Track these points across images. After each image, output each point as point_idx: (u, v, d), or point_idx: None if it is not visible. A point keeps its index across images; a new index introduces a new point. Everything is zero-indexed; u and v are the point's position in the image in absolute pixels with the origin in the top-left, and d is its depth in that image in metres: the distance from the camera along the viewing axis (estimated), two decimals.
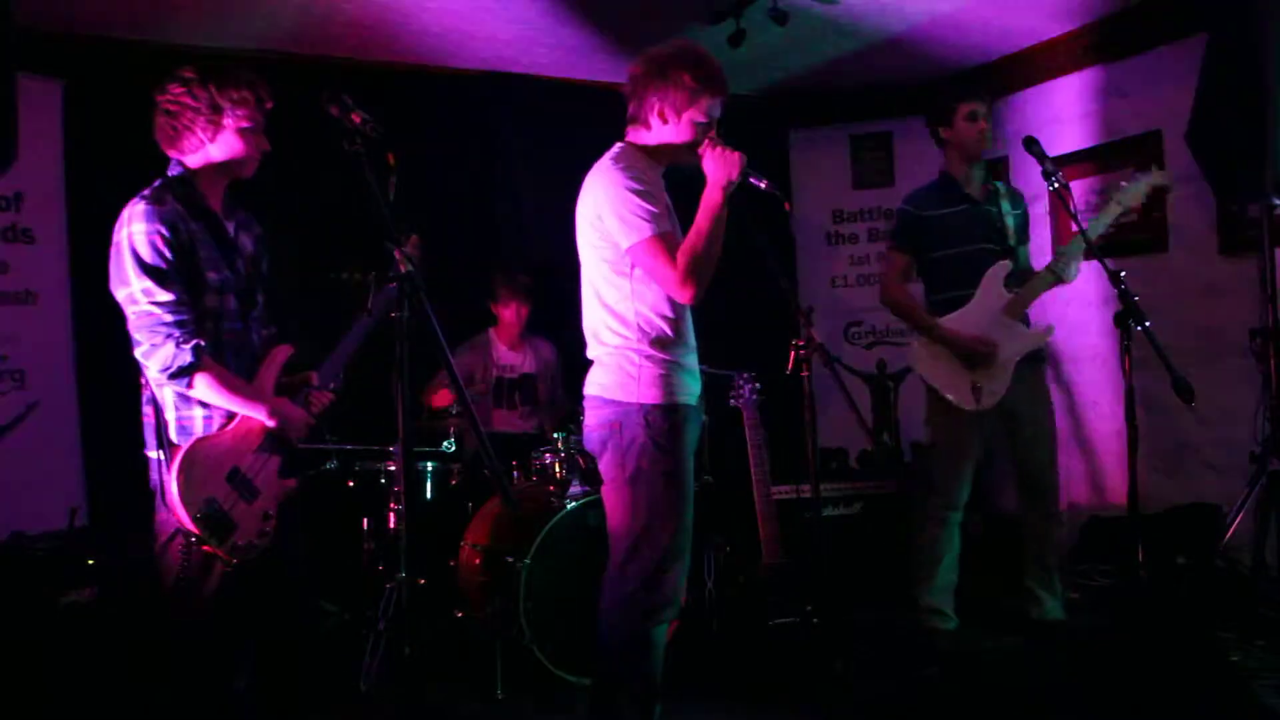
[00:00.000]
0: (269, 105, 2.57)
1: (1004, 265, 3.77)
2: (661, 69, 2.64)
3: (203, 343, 2.40)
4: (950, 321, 3.81)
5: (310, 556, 2.72)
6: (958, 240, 3.83)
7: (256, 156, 2.58)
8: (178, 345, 2.36)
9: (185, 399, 2.45)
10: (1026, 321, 3.83)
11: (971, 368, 3.75)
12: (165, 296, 2.37)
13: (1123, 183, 3.67)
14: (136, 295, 2.37)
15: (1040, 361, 3.90)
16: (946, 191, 3.89)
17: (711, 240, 2.56)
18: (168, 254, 2.38)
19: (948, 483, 3.85)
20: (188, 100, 2.46)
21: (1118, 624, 3.86)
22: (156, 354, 2.36)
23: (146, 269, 2.37)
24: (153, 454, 2.46)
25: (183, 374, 2.37)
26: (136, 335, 2.40)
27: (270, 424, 2.48)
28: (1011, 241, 3.85)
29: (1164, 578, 4.11)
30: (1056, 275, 3.66)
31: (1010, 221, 3.84)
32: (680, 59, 2.64)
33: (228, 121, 2.49)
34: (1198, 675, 2.88)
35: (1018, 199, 3.97)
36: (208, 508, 2.36)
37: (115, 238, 2.41)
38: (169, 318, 2.37)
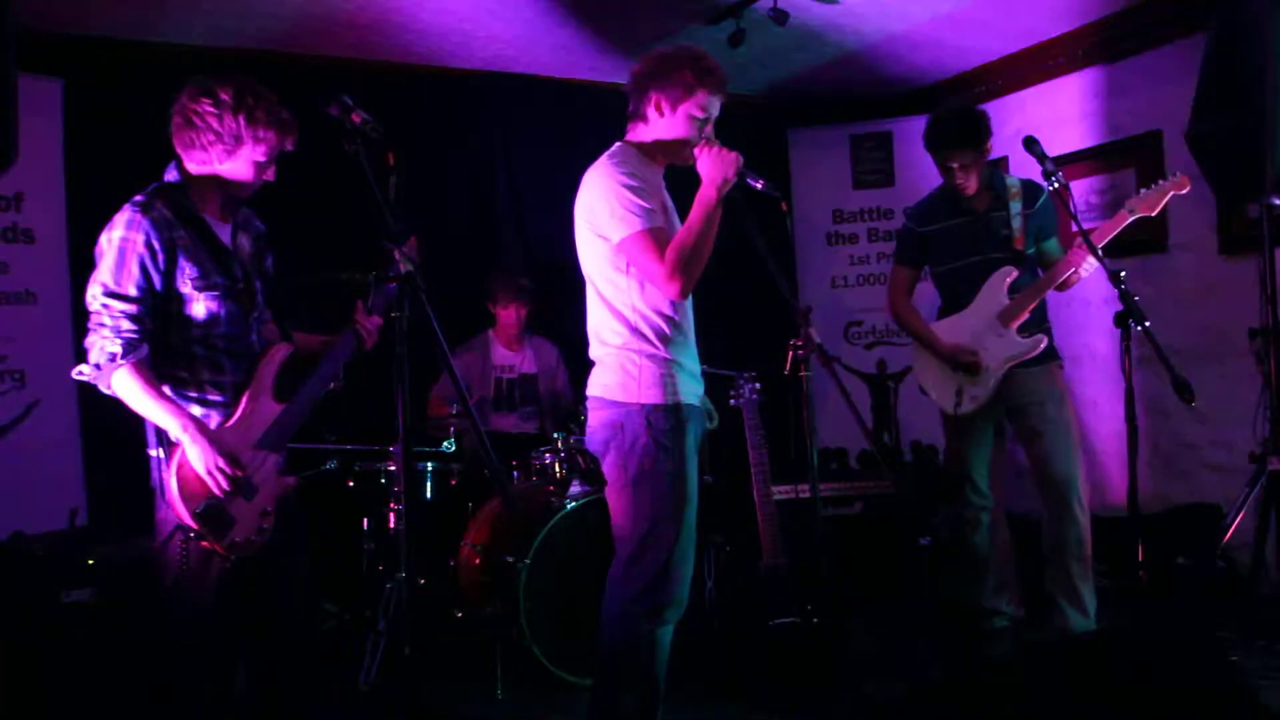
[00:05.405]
0: (290, 147, 2.54)
1: (1008, 271, 3.72)
2: (662, 64, 2.68)
3: (143, 346, 2.37)
4: (941, 327, 3.83)
5: (310, 556, 2.72)
6: (961, 253, 3.80)
7: (259, 185, 2.57)
8: (114, 336, 2.33)
9: (182, 397, 2.45)
10: (1029, 327, 3.72)
11: (958, 373, 3.77)
12: (120, 305, 2.36)
13: (1142, 190, 3.55)
14: (95, 293, 2.37)
15: (1049, 361, 3.76)
16: (947, 203, 3.85)
17: (703, 238, 2.55)
18: (141, 261, 2.37)
19: (960, 484, 3.85)
20: (214, 122, 2.43)
21: (1118, 624, 3.85)
22: (93, 349, 2.35)
23: (111, 271, 2.36)
24: (153, 452, 2.46)
25: (110, 364, 2.32)
26: (89, 338, 2.38)
27: (184, 436, 2.37)
28: (1021, 247, 3.73)
29: (1164, 578, 4.10)
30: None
31: (1018, 224, 3.72)
32: (680, 55, 2.68)
33: (244, 152, 2.47)
34: (1198, 675, 2.88)
35: (1033, 195, 3.78)
36: (206, 504, 2.37)
37: (98, 239, 2.41)
38: (117, 312, 2.35)
